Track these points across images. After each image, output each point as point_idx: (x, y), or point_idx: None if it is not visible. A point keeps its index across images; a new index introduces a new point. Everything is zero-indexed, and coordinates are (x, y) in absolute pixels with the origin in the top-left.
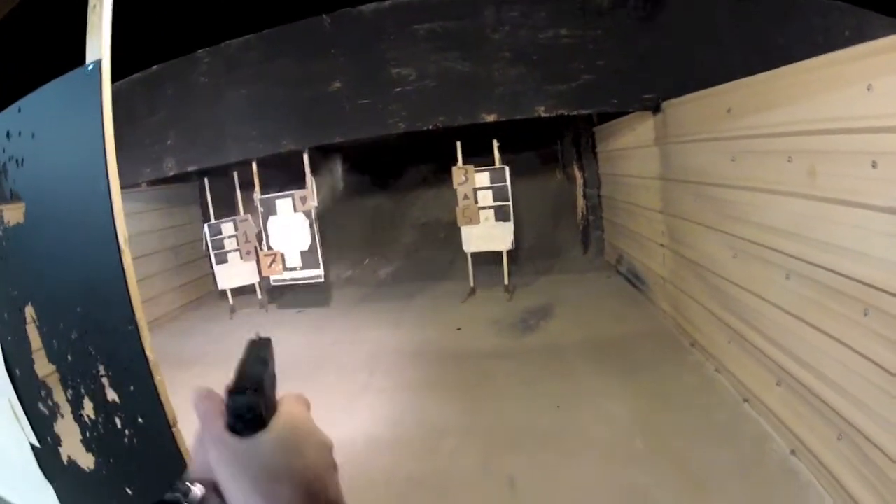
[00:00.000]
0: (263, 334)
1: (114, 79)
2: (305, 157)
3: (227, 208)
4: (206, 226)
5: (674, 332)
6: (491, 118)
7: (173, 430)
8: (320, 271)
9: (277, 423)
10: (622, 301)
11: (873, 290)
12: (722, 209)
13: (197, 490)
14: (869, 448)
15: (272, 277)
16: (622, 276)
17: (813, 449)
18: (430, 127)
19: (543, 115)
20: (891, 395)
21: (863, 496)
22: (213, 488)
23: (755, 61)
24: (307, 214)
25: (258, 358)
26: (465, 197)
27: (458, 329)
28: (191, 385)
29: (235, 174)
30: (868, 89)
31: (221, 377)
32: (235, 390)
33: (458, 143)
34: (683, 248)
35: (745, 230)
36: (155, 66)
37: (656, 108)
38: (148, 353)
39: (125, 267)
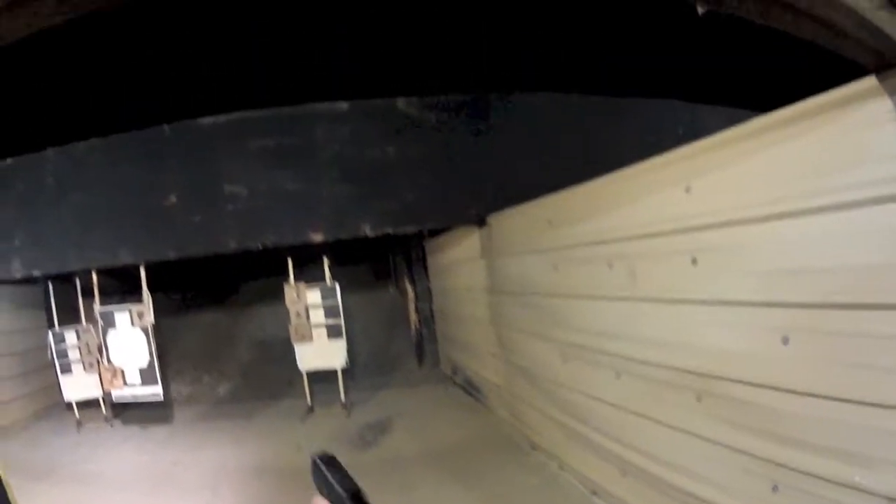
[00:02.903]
0: (319, 452)
1: None
2: (142, 272)
3: (71, 314)
4: (49, 333)
5: (513, 437)
6: (318, 238)
7: None
8: (159, 389)
9: None
10: (460, 410)
11: (703, 377)
12: (548, 317)
13: None
14: None
15: (114, 392)
16: (458, 387)
17: None
18: (260, 246)
19: (369, 234)
20: (738, 469)
21: None
22: None
23: (584, 167)
24: (144, 330)
25: (345, 476)
26: (298, 315)
27: (299, 447)
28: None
29: (77, 280)
30: (686, 191)
31: (73, 493)
32: None
33: (290, 261)
34: (515, 356)
35: (573, 335)
36: (8, 160)
37: (481, 223)
38: None
39: None
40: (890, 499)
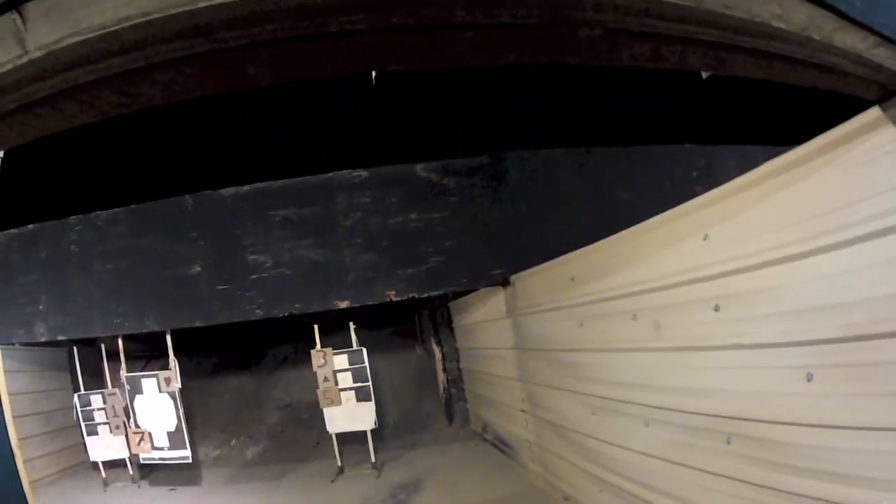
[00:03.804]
0: None
1: None
2: (168, 339)
3: (96, 377)
4: (76, 396)
5: (546, 490)
6: (344, 304)
7: None
8: (187, 452)
9: None
10: (491, 467)
11: (731, 419)
12: (575, 372)
13: None
14: None
15: (142, 455)
16: (489, 444)
17: None
18: (286, 314)
19: (394, 299)
20: None
21: None
22: None
23: (602, 221)
24: (172, 396)
25: None
26: (326, 379)
27: None
28: None
29: (103, 346)
30: (705, 239)
31: None
32: None
33: (316, 327)
34: (544, 412)
35: (600, 388)
36: (31, 225)
37: (505, 283)
38: None
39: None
40: None
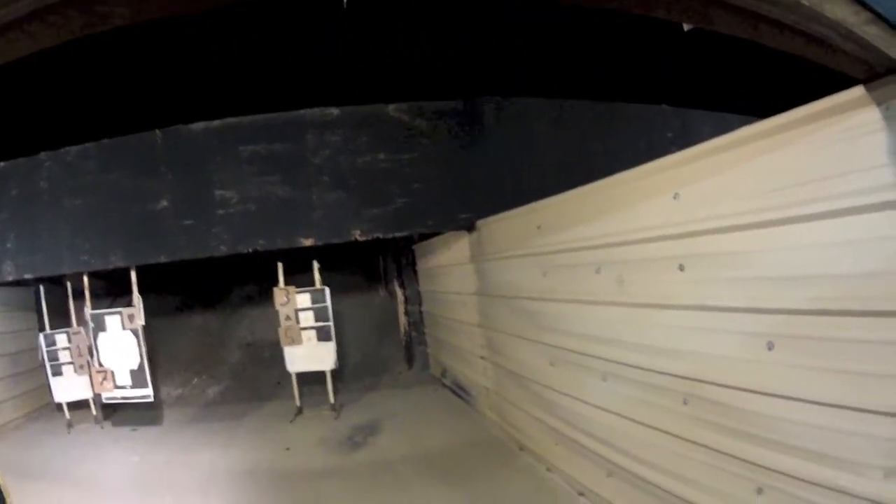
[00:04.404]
0: None
1: None
2: (133, 275)
3: (62, 317)
4: (41, 335)
5: (502, 439)
6: (308, 242)
7: None
8: (149, 391)
9: None
10: (449, 412)
11: (689, 380)
12: (537, 321)
13: None
14: None
15: (104, 394)
16: (448, 389)
17: None
18: (250, 250)
19: (359, 238)
20: (723, 471)
21: None
22: None
23: (574, 173)
24: (135, 333)
25: None
26: (288, 318)
27: (288, 449)
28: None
29: (69, 284)
30: (675, 198)
31: (65, 494)
32: None
33: (280, 265)
34: (503, 360)
35: (561, 339)
36: (2, 163)
37: (471, 227)
38: None
39: None
40: (874, 502)
